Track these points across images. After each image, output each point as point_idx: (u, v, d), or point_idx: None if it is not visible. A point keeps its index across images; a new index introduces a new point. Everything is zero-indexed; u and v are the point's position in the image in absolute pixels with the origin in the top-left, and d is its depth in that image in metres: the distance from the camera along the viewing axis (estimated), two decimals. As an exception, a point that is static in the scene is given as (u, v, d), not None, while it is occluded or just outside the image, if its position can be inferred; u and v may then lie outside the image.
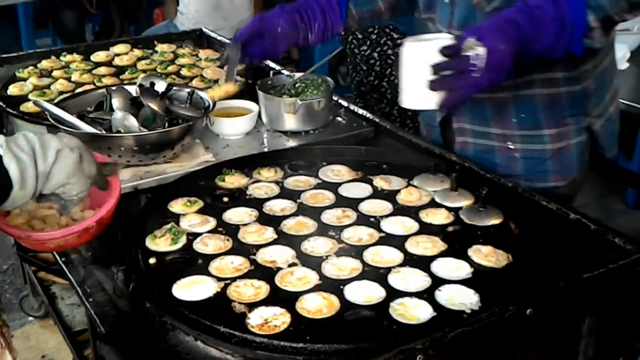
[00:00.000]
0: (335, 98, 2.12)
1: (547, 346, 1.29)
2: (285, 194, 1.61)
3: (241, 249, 1.39)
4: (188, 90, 1.93)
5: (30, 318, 2.96)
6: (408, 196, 1.57)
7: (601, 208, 3.90)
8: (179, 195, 1.58)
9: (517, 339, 1.24)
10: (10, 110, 2.11)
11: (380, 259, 1.34)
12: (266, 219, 1.50)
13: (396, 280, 1.27)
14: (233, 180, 1.66)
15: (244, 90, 2.23)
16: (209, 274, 1.31)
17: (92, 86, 2.26)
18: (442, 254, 1.35)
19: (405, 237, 1.41)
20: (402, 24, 3.33)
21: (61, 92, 2.23)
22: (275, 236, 1.43)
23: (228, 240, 1.41)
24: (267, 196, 1.60)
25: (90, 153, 1.27)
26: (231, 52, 1.92)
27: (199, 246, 1.40)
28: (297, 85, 2.09)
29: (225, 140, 1.96)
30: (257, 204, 1.56)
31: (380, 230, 1.44)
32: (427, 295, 1.23)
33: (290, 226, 1.47)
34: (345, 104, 2.13)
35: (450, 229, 1.45)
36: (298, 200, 1.57)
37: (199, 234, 1.44)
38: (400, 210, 1.52)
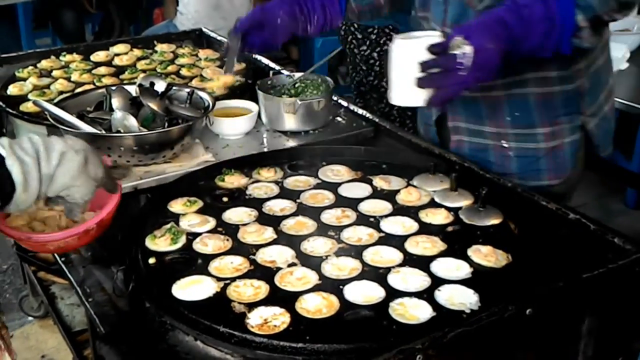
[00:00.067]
0: (335, 98, 2.12)
1: (546, 346, 1.29)
2: (285, 194, 1.61)
3: (241, 249, 1.39)
4: (188, 90, 1.93)
5: (30, 318, 2.96)
6: (408, 196, 1.57)
7: (601, 208, 3.91)
8: (178, 195, 1.58)
9: (517, 339, 1.24)
10: (10, 110, 2.11)
11: (379, 259, 1.34)
12: (266, 219, 1.50)
13: (396, 280, 1.27)
14: (233, 180, 1.66)
15: (243, 90, 2.24)
16: (209, 274, 1.31)
17: (91, 86, 2.26)
18: (442, 254, 1.35)
19: (405, 237, 1.41)
20: (401, 24, 3.33)
21: (61, 92, 2.23)
22: (275, 236, 1.43)
23: (228, 240, 1.41)
24: (267, 196, 1.60)
25: (97, 155, 1.26)
26: (231, 41, 1.93)
27: (198, 246, 1.40)
28: (296, 85, 2.09)
29: (225, 140, 1.96)
30: (256, 204, 1.56)
31: (379, 230, 1.44)
32: (426, 295, 1.23)
33: (289, 226, 1.47)
34: (344, 104, 2.13)
35: (449, 229, 1.45)
36: (298, 200, 1.57)
37: (199, 234, 1.44)
38: (400, 210, 1.52)
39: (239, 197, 1.60)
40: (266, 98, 2.00)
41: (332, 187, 1.63)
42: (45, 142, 1.17)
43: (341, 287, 1.25)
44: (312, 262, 1.33)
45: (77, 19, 5.62)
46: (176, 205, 1.55)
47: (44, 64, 2.48)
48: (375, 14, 2.03)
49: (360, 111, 2.08)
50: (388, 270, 1.30)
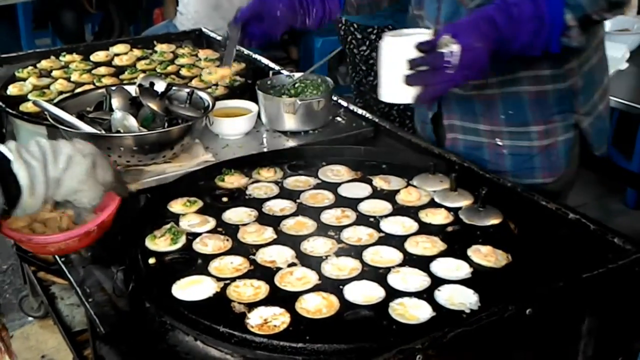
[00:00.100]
0: (335, 98, 2.12)
1: (546, 346, 1.29)
2: (285, 194, 1.61)
3: (241, 249, 1.39)
4: (187, 90, 1.93)
5: (30, 318, 2.96)
6: (407, 196, 1.57)
7: (601, 208, 3.91)
8: (178, 195, 1.58)
9: (517, 339, 1.24)
10: (10, 110, 2.11)
11: (379, 259, 1.34)
12: (266, 219, 1.50)
13: (396, 280, 1.27)
14: (232, 180, 1.66)
15: (243, 90, 2.24)
16: (209, 274, 1.31)
17: (91, 86, 2.26)
18: (442, 254, 1.35)
19: (405, 237, 1.41)
20: (400, 24, 3.32)
21: (61, 92, 2.23)
22: (275, 236, 1.43)
23: (227, 240, 1.41)
24: (267, 196, 1.60)
25: (106, 159, 1.25)
26: (231, 31, 1.95)
27: (198, 246, 1.40)
28: (296, 85, 2.09)
29: (225, 140, 1.96)
30: (256, 204, 1.56)
31: (379, 230, 1.44)
32: (426, 295, 1.23)
33: (289, 226, 1.47)
34: (344, 104, 2.13)
35: (449, 229, 1.45)
36: (297, 200, 1.57)
37: (199, 234, 1.44)
38: (400, 210, 1.52)
39: (238, 197, 1.60)
40: (266, 98, 2.00)
41: (332, 187, 1.63)
42: (53, 145, 1.16)
43: (341, 287, 1.25)
44: (312, 262, 1.33)
45: (77, 19, 5.62)
46: (176, 206, 1.55)
47: (44, 64, 2.48)
48: (374, 7, 2.04)
49: (360, 111, 2.08)
50: (388, 270, 1.30)
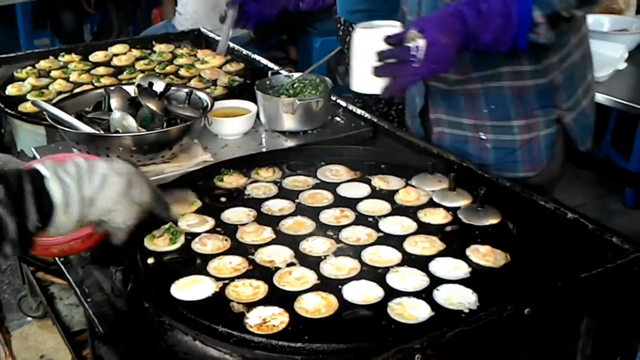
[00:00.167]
0: (334, 98, 2.12)
1: (545, 346, 1.29)
2: (284, 193, 1.61)
3: (239, 248, 1.39)
4: (186, 90, 1.93)
5: (29, 318, 2.95)
6: (406, 196, 1.57)
7: (599, 208, 3.91)
8: (177, 195, 1.58)
9: (515, 339, 1.24)
10: (9, 111, 2.11)
11: (378, 259, 1.34)
12: (264, 219, 1.50)
13: (394, 279, 1.27)
14: (231, 180, 1.66)
15: (242, 91, 2.24)
16: (208, 274, 1.31)
17: (90, 86, 2.26)
18: (440, 254, 1.35)
19: (404, 237, 1.41)
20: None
21: (59, 92, 2.23)
22: (274, 236, 1.43)
23: (226, 240, 1.41)
24: (266, 196, 1.60)
25: (145, 179, 1.23)
26: (229, 10, 2.03)
27: (197, 246, 1.40)
28: (295, 85, 2.09)
29: (224, 140, 1.96)
30: (255, 203, 1.56)
31: (378, 230, 1.44)
32: (425, 294, 1.23)
33: (288, 226, 1.47)
34: (343, 104, 2.13)
35: (448, 228, 1.45)
36: (296, 200, 1.57)
37: (198, 234, 1.44)
38: (399, 210, 1.53)
39: (237, 197, 1.60)
40: (265, 98, 2.00)
41: (331, 187, 1.63)
42: (89, 164, 1.15)
43: (340, 286, 1.25)
44: (311, 262, 1.33)
45: (75, 20, 5.62)
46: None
47: (43, 64, 2.48)
48: None
49: (359, 111, 2.08)
50: (387, 270, 1.30)
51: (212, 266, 1.33)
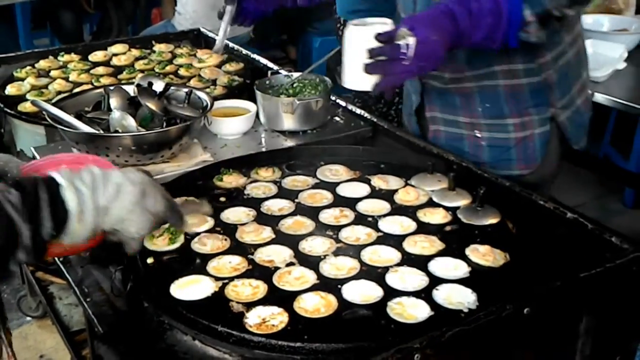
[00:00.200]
0: (333, 98, 2.12)
1: (544, 345, 1.29)
2: (283, 193, 1.61)
3: (239, 248, 1.39)
4: (186, 90, 1.93)
5: (28, 318, 2.95)
6: (406, 196, 1.57)
7: (599, 208, 3.91)
8: (176, 194, 1.57)
9: (515, 338, 1.24)
10: (8, 110, 2.11)
11: (378, 259, 1.34)
12: (264, 219, 1.50)
13: (394, 279, 1.27)
14: (231, 180, 1.66)
15: (242, 90, 2.24)
16: (207, 274, 1.31)
17: (90, 86, 2.26)
18: (440, 254, 1.35)
19: (403, 237, 1.41)
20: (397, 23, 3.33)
21: (59, 92, 2.23)
22: (273, 236, 1.43)
23: (226, 239, 1.41)
24: (265, 196, 1.60)
25: (159, 189, 1.23)
26: (227, 7, 2.06)
27: (196, 246, 1.40)
28: (295, 85, 2.09)
29: (223, 140, 1.96)
30: (254, 203, 1.56)
31: (378, 229, 1.44)
32: (424, 294, 1.23)
33: (288, 226, 1.47)
34: (343, 103, 2.13)
35: (447, 228, 1.45)
36: (296, 200, 1.57)
37: (197, 234, 1.44)
38: (398, 209, 1.53)
39: (237, 197, 1.60)
40: (264, 98, 2.00)
41: (331, 186, 1.63)
42: (104, 173, 1.14)
43: (339, 286, 1.25)
44: (311, 262, 1.33)
45: (75, 19, 5.62)
46: (174, 205, 1.55)
47: (42, 64, 2.48)
48: None
49: (359, 111, 2.08)
50: (386, 269, 1.30)
51: (212, 266, 1.33)
